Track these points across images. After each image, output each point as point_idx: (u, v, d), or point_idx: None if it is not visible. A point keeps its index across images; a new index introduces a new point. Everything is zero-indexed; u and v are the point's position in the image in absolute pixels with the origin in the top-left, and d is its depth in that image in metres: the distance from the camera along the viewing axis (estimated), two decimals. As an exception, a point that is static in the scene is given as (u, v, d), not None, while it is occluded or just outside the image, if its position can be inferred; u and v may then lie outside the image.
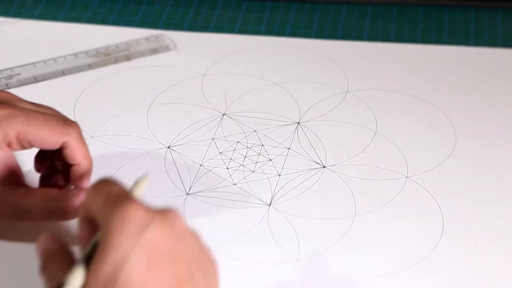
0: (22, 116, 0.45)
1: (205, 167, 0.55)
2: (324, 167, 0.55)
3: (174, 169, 0.55)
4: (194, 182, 0.54)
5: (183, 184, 0.54)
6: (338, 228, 0.50)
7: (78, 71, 0.66)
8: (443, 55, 0.68)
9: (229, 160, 0.56)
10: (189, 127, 0.59)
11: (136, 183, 0.42)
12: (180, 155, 0.57)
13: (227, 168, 0.55)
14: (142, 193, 0.41)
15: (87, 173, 0.47)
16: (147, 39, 0.70)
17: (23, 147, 0.46)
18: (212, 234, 0.50)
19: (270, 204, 0.52)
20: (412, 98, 0.63)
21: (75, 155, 0.46)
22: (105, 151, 0.57)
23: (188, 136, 0.58)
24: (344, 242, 0.49)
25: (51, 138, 0.45)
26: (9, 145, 0.45)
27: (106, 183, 0.38)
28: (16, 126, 0.44)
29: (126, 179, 0.54)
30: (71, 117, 0.59)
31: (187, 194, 0.53)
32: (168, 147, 0.57)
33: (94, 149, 0.56)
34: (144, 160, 0.56)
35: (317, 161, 0.56)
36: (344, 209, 0.52)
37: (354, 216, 0.51)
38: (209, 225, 0.51)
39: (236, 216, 0.51)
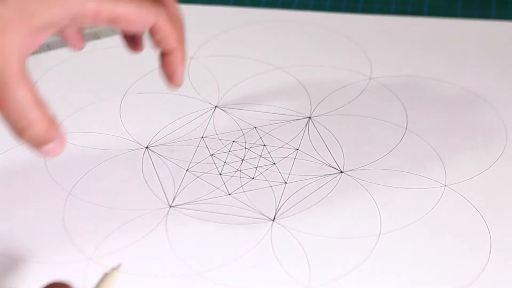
0: None
1: (193, 172, 0.56)
2: (341, 172, 0.56)
3: (154, 175, 0.55)
4: (179, 191, 0.54)
5: (165, 194, 0.54)
6: (359, 249, 0.50)
7: (34, 53, 0.66)
8: (491, 32, 0.68)
9: (222, 164, 0.56)
10: (173, 122, 0.59)
11: (104, 278, 0.42)
12: (161, 157, 0.57)
13: (220, 174, 0.56)
14: None
15: (183, 60, 0.48)
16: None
17: (99, 24, 0.46)
18: (201, 256, 0.50)
19: (274, 219, 0.52)
20: (451, 86, 0.63)
21: (168, 39, 0.47)
22: (67, 152, 0.57)
23: (171, 134, 0.59)
24: (367, 266, 0.49)
25: (141, 18, 0.45)
26: (75, 20, 0.44)
27: None
28: (96, 4, 0.44)
29: (94, 189, 0.54)
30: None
31: (170, 206, 0.53)
32: (147, 148, 0.57)
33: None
34: (116, 164, 0.56)
35: (332, 165, 0.56)
36: (367, 225, 0.52)
37: (379, 234, 0.51)
38: (197, 245, 0.51)
39: (232, 234, 0.51)
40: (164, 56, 0.48)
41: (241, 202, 0.53)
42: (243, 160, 0.56)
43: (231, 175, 0.55)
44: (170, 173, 0.55)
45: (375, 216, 0.52)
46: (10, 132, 0.43)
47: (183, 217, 0.52)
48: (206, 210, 0.53)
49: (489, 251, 0.50)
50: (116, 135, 0.58)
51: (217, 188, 0.54)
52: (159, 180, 0.55)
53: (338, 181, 0.55)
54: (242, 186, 0.55)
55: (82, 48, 0.51)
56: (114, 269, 0.42)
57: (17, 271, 0.49)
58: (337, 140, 0.58)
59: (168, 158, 0.56)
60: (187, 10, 0.71)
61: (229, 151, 0.57)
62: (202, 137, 0.58)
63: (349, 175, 0.55)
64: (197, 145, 0.58)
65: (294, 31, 0.69)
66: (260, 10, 0.71)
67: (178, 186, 0.54)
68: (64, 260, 0.50)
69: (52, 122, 0.43)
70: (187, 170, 0.56)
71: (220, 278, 0.49)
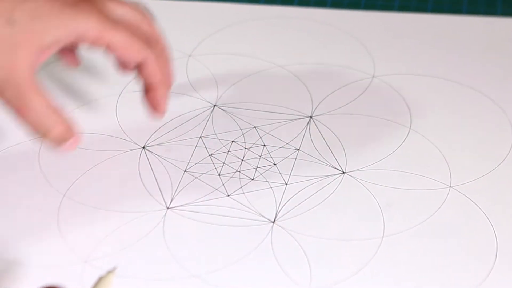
0: (109, 23, 0.50)
1: (191, 173, 0.56)
2: (343, 173, 0.56)
3: (151, 176, 0.55)
4: (177, 193, 0.54)
5: (162, 196, 0.54)
6: (361, 252, 0.50)
7: (27, 51, 0.66)
8: (497, 29, 0.68)
9: (221, 164, 0.56)
10: (170, 121, 0.59)
11: (99, 282, 0.42)
12: (159, 157, 0.57)
13: (219, 175, 0.55)
14: None
15: (166, 94, 0.54)
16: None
17: (96, 47, 0.52)
18: (200, 258, 0.50)
19: (274, 220, 0.52)
20: (456, 85, 0.63)
21: (154, 76, 0.53)
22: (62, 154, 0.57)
23: (168, 133, 0.59)
24: (370, 269, 0.49)
25: (134, 51, 0.51)
26: (78, 40, 0.50)
27: None
28: (98, 30, 0.49)
29: (89, 191, 0.54)
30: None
31: (168, 208, 0.53)
32: (144, 148, 0.57)
33: (48, 153, 0.57)
34: (112, 165, 0.56)
35: (334, 166, 0.56)
36: (369, 227, 0.52)
37: (382, 236, 0.51)
38: (196, 247, 0.51)
39: (231, 237, 0.51)
40: (148, 88, 0.53)
41: (241, 203, 0.53)
42: (242, 160, 0.56)
43: (230, 176, 0.55)
44: (168, 173, 0.55)
45: (378, 218, 0.52)
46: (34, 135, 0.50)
47: (181, 219, 0.52)
48: (205, 212, 0.53)
49: (495, 254, 0.50)
50: (112, 135, 0.58)
51: (216, 189, 0.54)
52: (156, 181, 0.55)
53: (340, 182, 0.55)
54: (241, 187, 0.55)
55: (77, 66, 0.57)
56: (110, 272, 0.42)
57: (11, 275, 0.49)
58: (339, 140, 0.58)
59: (166, 158, 0.56)
60: (186, 7, 0.71)
61: (228, 151, 0.57)
62: (201, 136, 0.58)
63: (351, 176, 0.55)
64: (196, 145, 0.58)
65: (295, 28, 0.69)
66: (260, 7, 0.71)
67: (176, 187, 0.54)
68: (59, 263, 0.50)
69: (67, 124, 0.50)
70: (185, 171, 0.56)
71: (219, 281, 0.49)
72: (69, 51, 0.57)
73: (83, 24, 0.49)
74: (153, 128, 0.59)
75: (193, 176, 0.55)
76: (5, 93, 0.49)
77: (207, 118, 0.60)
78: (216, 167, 0.56)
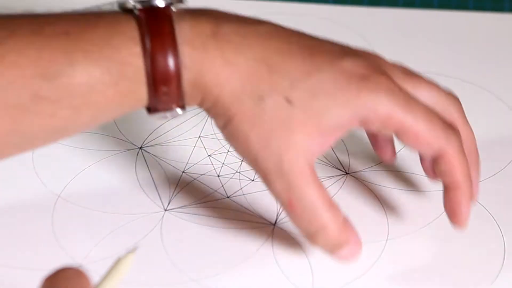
0: (401, 100, 0.44)
1: (189, 174, 0.55)
2: (346, 173, 0.55)
3: (148, 177, 0.55)
4: (175, 194, 0.54)
5: (159, 197, 0.54)
6: (364, 255, 0.50)
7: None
8: (504, 25, 0.68)
9: (221, 165, 0.56)
10: (168, 121, 0.59)
11: (116, 265, 0.41)
12: (156, 158, 0.56)
13: (218, 176, 0.55)
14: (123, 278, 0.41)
15: (467, 198, 0.47)
16: (112, 6, 0.70)
17: (379, 133, 0.48)
18: (198, 262, 0.50)
19: (275, 223, 0.52)
20: (462, 82, 0.63)
21: (451, 173, 0.46)
22: (57, 154, 0.57)
23: (166, 133, 0.58)
24: (373, 273, 0.49)
25: (428, 139, 0.45)
26: (363, 123, 0.45)
27: (63, 277, 0.38)
28: (388, 109, 0.44)
29: (85, 192, 0.54)
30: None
31: (165, 210, 0.53)
32: (140, 148, 0.57)
33: (43, 151, 0.56)
34: (108, 165, 0.56)
35: (337, 166, 0.56)
36: (373, 229, 0.52)
37: (387, 239, 0.51)
38: (194, 251, 0.50)
39: (231, 240, 0.51)
40: (446, 189, 0.47)
41: (241, 205, 0.53)
42: (242, 161, 0.56)
43: (230, 177, 0.55)
44: (165, 174, 0.55)
45: (382, 220, 0.52)
46: (303, 235, 0.46)
47: (179, 221, 0.52)
48: (203, 214, 0.53)
49: (503, 257, 0.50)
50: (108, 135, 0.58)
51: (215, 190, 0.54)
52: (154, 182, 0.55)
53: (343, 183, 0.55)
54: (241, 188, 0.54)
55: (391, 161, 0.53)
56: (130, 252, 0.41)
57: (4, 278, 0.49)
58: (342, 140, 0.58)
59: (163, 159, 0.56)
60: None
61: (228, 151, 0.57)
62: (199, 136, 0.58)
63: (354, 177, 0.55)
64: (194, 145, 0.57)
65: (297, 25, 0.69)
66: (260, 3, 0.71)
67: (173, 189, 0.54)
68: (54, 267, 0.49)
69: (345, 225, 0.45)
70: (183, 172, 0.55)
71: (218, 285, 0.48)
72: (383, 142, 0.52)
73: (370, 102, 0.43)
74: (150, 128, 0.58)
75: (191, 177, 0.55)
76: (276, 183, 0.44)
77: (206, 117, 0.59)
78: (215, 167, 0.56)
